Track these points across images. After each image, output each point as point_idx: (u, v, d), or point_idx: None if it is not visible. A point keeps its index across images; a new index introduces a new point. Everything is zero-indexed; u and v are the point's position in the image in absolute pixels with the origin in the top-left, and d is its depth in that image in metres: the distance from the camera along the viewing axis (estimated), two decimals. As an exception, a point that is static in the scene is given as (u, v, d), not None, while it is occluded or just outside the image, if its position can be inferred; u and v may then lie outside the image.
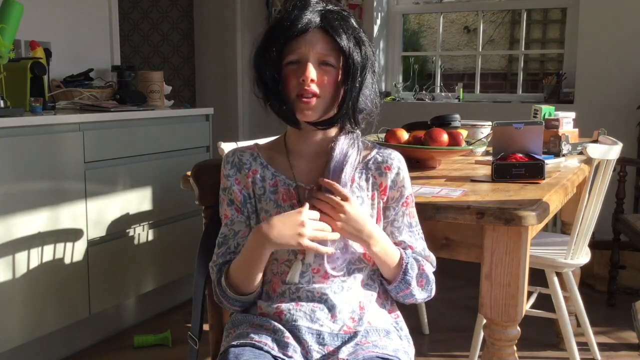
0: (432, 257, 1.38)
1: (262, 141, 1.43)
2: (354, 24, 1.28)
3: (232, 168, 1.35)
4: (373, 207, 1.32)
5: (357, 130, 1.35)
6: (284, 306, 1.28)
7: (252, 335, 1.27)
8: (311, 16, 1.24)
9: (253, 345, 1.24)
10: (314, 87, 1.23)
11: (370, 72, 1.29)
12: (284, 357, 1.23)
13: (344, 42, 1.24)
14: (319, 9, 1.26)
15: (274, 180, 1.32)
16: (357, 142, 1.33)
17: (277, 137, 1.42)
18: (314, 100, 1.24)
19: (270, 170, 1.33)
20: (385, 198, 1.33)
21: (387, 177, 1.32)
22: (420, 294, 1.34)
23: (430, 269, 1.36)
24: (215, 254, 1.35)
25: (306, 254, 1.28)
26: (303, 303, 1.28)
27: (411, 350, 1.37)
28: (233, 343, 1.27)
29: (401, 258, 1.30)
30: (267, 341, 1.25)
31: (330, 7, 1.27)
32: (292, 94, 1.25)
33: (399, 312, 1.42)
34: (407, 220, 1.35)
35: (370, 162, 1.33)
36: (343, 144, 1.31)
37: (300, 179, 1.32)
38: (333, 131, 1.33)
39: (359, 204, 1.29)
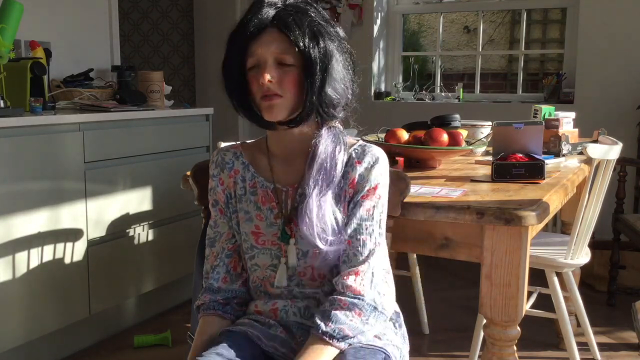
0: (373, 259, 1.25)
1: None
2: (313, 14, 1.23)
3: (216, 168, 1.35)
4: (339, 202, 1.26)
5: (339, 125, 1.30)
6: (280, 303, 1.31)
7: (245, 327, 1.30)
8: (264, 17, 1.22)
9: (245, 334, 1.28)
10: (274, 88, 1.20)
11: (337, 62, 1.23)
12: (274, 351, 1.28)
13: (298, 39, 1.20)
14: (276, 5, 1.23)
15: (253, 182, 1.32)
16: (341, 138, 1.28)
17: (261, 137, 1.39)
18: (275, 100, 1.21)
19: (250, 171, 1.33)
20: (352, 192, 1.27)
21: (356, 171, 1.26)
22: (367, 328, 1.22)
23: (353, 291, 1.22)
24: (206, 258, 1.37)
25: (288, 256, 1.27)
26: (298, 300, 1.30)
27: (405, 347, 1.37)
28: (228, 328, 1.31)
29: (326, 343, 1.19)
30: (259, 333, 1.28)
31: (288, 0, 1.24)
32: (257, 97, 1.23)
33: (399, 312, 1.42)
34: (360, 213, 1.25)
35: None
36: (327, 142, 1.26)
37: (279, 180, 1.30)
38: (310, 130, 1.27)
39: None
